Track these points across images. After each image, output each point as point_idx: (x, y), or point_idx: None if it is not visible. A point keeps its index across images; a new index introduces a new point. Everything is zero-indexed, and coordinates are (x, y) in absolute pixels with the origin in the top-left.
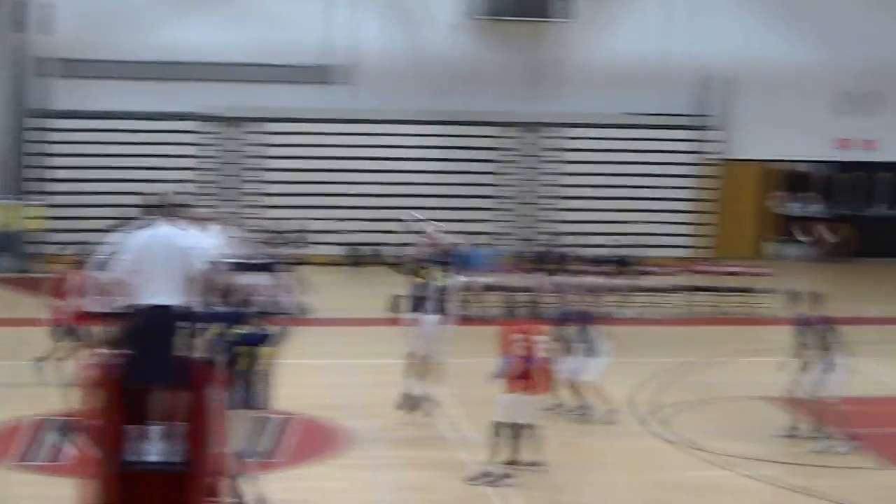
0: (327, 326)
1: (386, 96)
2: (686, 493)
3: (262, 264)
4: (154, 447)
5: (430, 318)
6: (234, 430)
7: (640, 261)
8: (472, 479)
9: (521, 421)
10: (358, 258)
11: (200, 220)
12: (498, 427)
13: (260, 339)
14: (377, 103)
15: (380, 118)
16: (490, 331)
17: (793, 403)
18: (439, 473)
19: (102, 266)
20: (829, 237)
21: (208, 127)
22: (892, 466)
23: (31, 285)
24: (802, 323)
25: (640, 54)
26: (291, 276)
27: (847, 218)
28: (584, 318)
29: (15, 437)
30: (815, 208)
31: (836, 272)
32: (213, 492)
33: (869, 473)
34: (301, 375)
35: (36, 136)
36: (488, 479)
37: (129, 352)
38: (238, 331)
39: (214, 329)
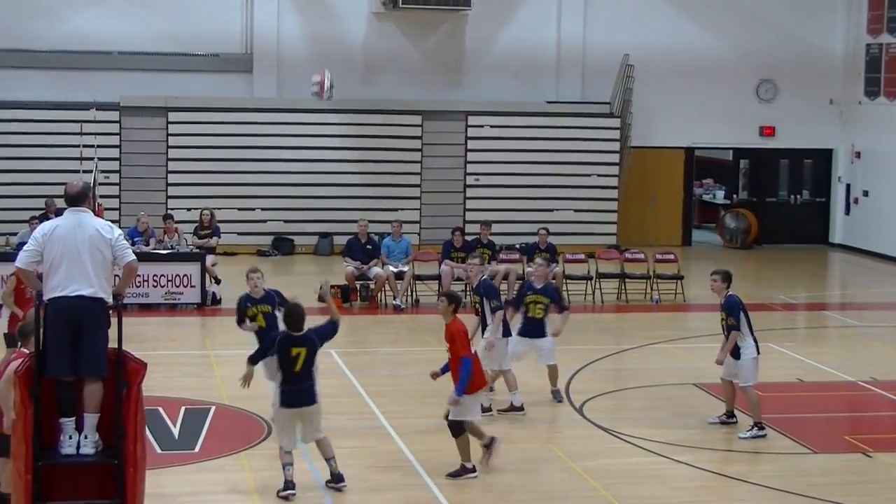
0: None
1: (297, 84)
2: (620, 480)
3: (174, 254)
4: (81, 440)
5: None
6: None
7: (565, 249)
8: (451, 475)
9: (472, 418)
10: (277, 246)
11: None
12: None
13: None
14: (289, 91)
15: (290, 107)
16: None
17: (721, 388)
18: (373, 462)
19: (17, 258)
20: (735, 224)
21: (110, 116)
22: (815, 451)
23: None
24: (731, 307)
25: (560, 41)
26: (202, 265)
27: (751, 204)
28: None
29: None
30: (720, 195)
31: (742, 258)
32: (138, 485)
33: (797, 459)
34: (216, 367)
35: None
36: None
37: (51, 343)
38: None
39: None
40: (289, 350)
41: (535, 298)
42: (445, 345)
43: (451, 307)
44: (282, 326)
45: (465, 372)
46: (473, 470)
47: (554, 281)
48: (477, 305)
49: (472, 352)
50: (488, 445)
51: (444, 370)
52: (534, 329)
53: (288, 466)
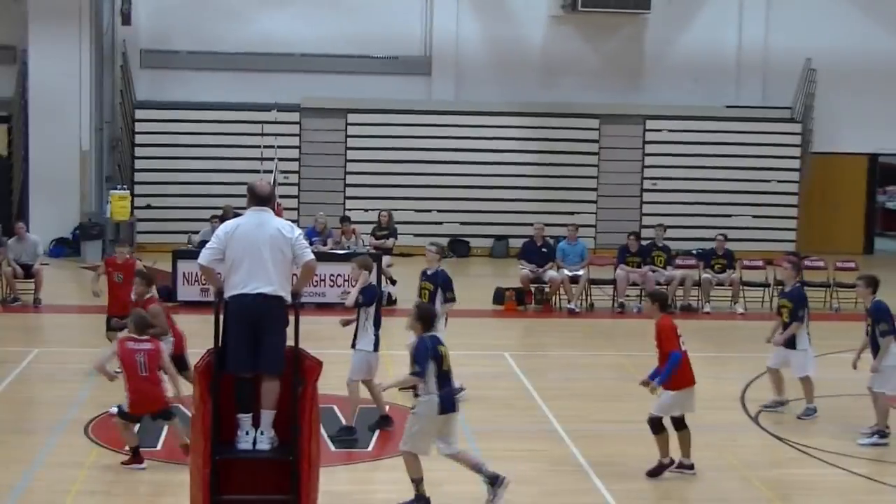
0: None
1: (477, 87)
2: (797, 491)
3: (354, 254)
4: (258, 436)
5: None
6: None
7: (743, 255)
8: (652, 474)
9: (678, 414)
10: (455, 249)
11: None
12: (660, 422)
13: None
14: (468, 94)
15: (470, 109)
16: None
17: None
18: (549, 466)
19: (199, 255)
20: None
21: (294, 118)
22: None
23: None
24: (878, 312)
25: (740, 45)
26: (383, 266)
27: None
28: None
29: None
30: None
31: None
32: (310, 482)
33: None
34: (391, 367)
35: (125, 127)
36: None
37: (231, 340)
38: None
39: None
40: (438, 349)
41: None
42: (625, 349)
43: (657, 305)
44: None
45: (671, 365)
46: (671, 463)
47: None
48: None
49: (683, 350)
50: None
51: (653, 376)
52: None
53: (421, 481)
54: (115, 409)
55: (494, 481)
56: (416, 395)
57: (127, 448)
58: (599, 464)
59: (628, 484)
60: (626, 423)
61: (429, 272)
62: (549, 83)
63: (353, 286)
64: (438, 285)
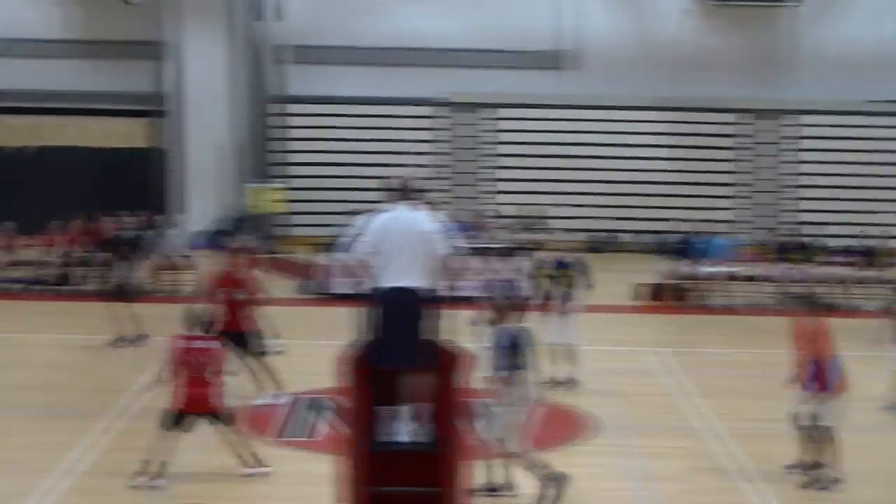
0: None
1: (616, 82)
2: None
3: (501, 249)
4: (403, 428)
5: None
6: (488, 415)
7: (887, 251)
8: (806, 486)
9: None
10: (596, 244)
11: (436, 205)
12: (830, 432)
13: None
14: (607, 89)
15: (610, 104)
16: (732, 320)
17: None
18: (689, 464)
19: (346, 249)
20: None
21: (440, 112)
22: None
23: (275, 266)
24: None
25: (880, 39)
26: (527, 261)
27: None
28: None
29: (274, 413)
30: None
31: None
32: (461, 474)
33: None
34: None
35: (275, 121)
36: (820, 483)
37: (378, 334)
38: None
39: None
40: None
41: None
42: (769, 347)
43: (810, 306)
44: None
45: (835, 371)
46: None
47: None
48: None
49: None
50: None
51: (811, 380)
52: None
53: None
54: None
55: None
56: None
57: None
58: (745, 463)
59: (775, 485)
60: (770, 421)
61: (562, 260)
62: (693, 77)
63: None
64: (574, 272)
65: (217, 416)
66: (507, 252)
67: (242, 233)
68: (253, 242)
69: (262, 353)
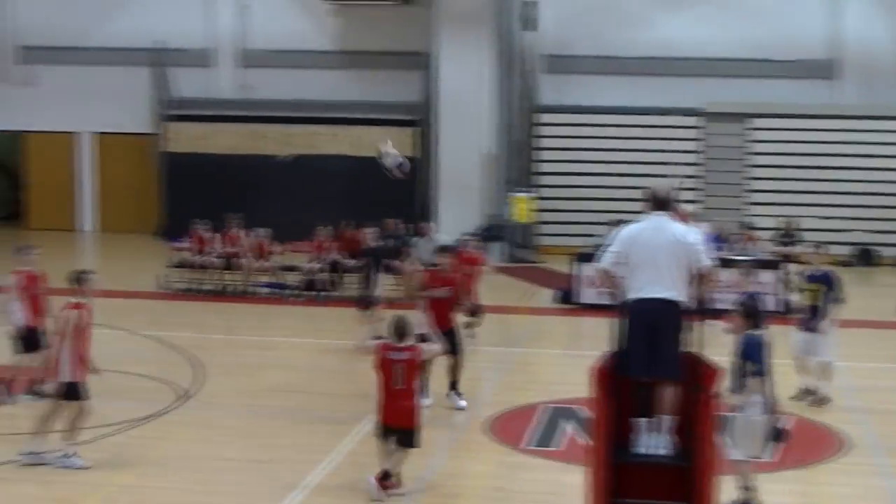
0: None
1: (887, 91)
2: None
3: (760, 261)
4: (655, 441)
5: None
6: (741, 431)
7: None
8: None
9: None
10: (855, 257)
11: (692, 216)
12: None
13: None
14: (872, 98)
15: (880, 114)
16: None
17: None
18: None
19: (600, 258)
20: None
21: (694, 122)
22: None
23: (526, 274)
24: None
25: None
26: (781, 274)
27: None
28: None
29: (528, 422)
30: None
31: None
32: (712, 489)
33: None
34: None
35: (528, 130)
36: None
37: (630, 344)
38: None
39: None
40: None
41: None
42: None
43: None
44: None
45: None
46: None
47: None
48: None
49: None
50: None
51: None
52: None
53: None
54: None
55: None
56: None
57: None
58: None
59: None
60: None
61: (814, 273)
62: None
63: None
64: (826, 285)
65: (410, 433)
66: (762, 264)
67: (495, 241)
68: (486, 249)
69: (457, 353)
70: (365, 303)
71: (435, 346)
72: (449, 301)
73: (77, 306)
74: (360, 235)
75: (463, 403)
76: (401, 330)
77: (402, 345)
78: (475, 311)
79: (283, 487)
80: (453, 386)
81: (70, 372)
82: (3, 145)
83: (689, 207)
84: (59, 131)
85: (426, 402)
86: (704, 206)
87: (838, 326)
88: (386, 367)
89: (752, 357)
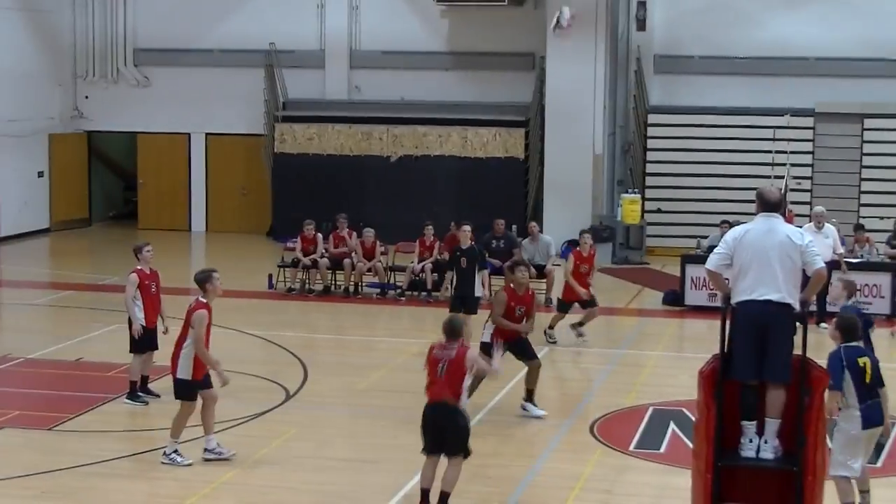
0: None
1: None
2: None
3: (865, 263)
4: (762, 445)
5: None
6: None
7: None
8: None
9: None
10: None
11: (820, 217)
12: None
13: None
14: None
15: None
16: None
17: None
18: None
19: (708, 260)
20: None
21: (805, 122)
22: None
23: (634, 275)
24: None
25: None
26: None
27: None
28: None
29: (633, 424)
30: None
31: None
32: (817, 494)
33: None
34: None
35: (638, 131)
36: None
37: (738, 347)
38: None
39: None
40: (857, 361)
41: None
42: None
43: None
44: None
45: None
46: None
47: None
48: None
49: None
50: None
51: None
52: None
53: None
54: None
55: None
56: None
57: None
58: None
59: None
60: None
61: None
62: None
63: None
64: None
65: (450, 433)
66: (875, 267)
67: (604, 242)
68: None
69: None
70: (459, 304)
71: (485, 364)
72: (521, 317)
73: (205, 306)
74: (460, 236)
75: (540, 412)
76: (451, 329)
77: (451, 344)
78: (588, 304)
79: (388, 487)
80: (529, 396)
81: (188, 369)
82: (117, 146)
83: (817, 209)
84: (172, 132)
85: (539, 412)
86: (819, 208)
87: None
88: (432, 365)
89: (831, 371)
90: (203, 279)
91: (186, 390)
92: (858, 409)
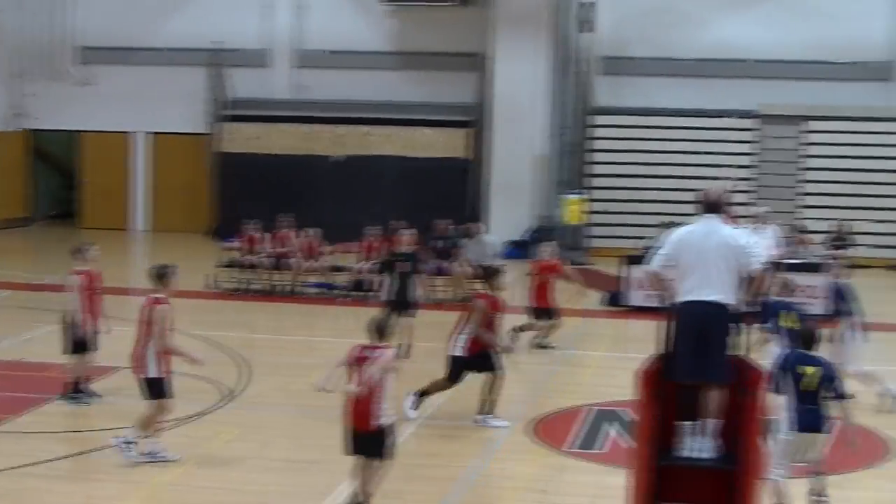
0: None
1: None
2: None
3: (803, 264)
4: (697, 444)
5: None
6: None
7: None
8: None
9: None
10: None
11: (747, 218)
12: None
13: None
14: None
15: None
16: None
17: None
18: None
19: (650, 260)
20: None
21: (748, 124)
22: None
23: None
24: None
25: None
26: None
27: None
28: None
29: (573, 424)
30: None
31: None
32: (755, 494)
33: None
34: None
35: (582, 132)
36: None
37: (679, 347)
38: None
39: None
40: (796, 368)
41: None
42: None
43: None
44: None
45: None
46: None
47: None
48: None
49: None
50: None
51: None
52: None
53: None
54: None
55: None
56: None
57: None
58: None
59: None
60: None
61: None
62: None
63: None
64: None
65: (370, 438)
66: (813, 268)
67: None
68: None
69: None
70: (396, 304)
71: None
72: (498, 325)
73: (163, 301)
74: (401, 237)
75: (499, 423)
76: (378, 330)
77: (377, 345)
78: (552, 316)
79: (330, 487)
80: (491, 408)
81: (156, 368)
82: (59, 144)
83: (758, 210)
84: (115, 131)
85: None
86: (760, 210)
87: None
88: (354, 366)
89: (772, 373)
90: (165, 273)
91: (160, 388)
92: (793, 411)
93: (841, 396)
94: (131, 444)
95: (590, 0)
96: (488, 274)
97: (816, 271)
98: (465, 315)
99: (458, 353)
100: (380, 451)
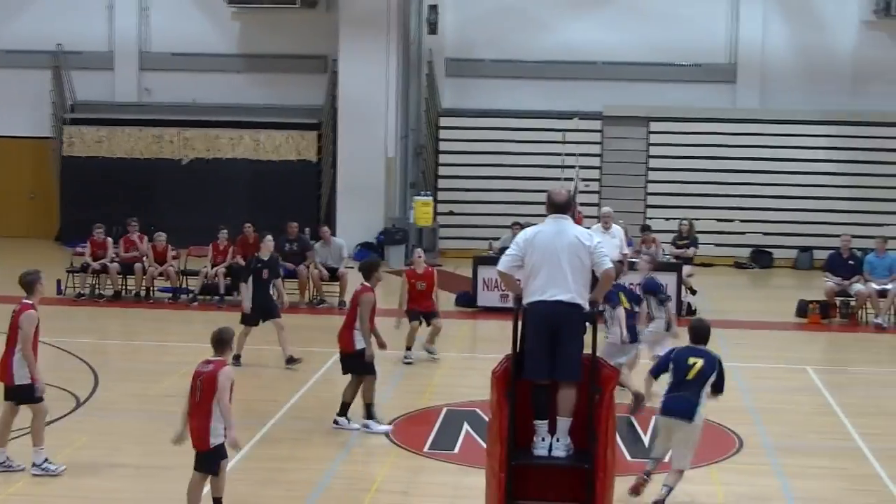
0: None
1: (783, 95)
2: None
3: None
4: (554, 443)
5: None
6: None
7: None
8: None
9: None
10: (751, 260)
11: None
12: None
13: None
14: (775, 103)
15: (777, 118)
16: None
17: None
18: (837, 484)
19: (498, 261)
20: None
21: (594, 125)
22: None
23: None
24: None
25: None
26: (682, 276)
27: None
28: None
29: (428, 425)
30: None
31: None
32: (608, 491)
33: None
34: None
35: (429, 134)
36: None
37: (529, 347)
38: None
39: None
40: (681, 360)
41: None
42: None
43: None
44: None
45: None
46: None
47: None
48: None
49: None
50: None
51: None
52: None
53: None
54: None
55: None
56: None
57: None
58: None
59: None
60: None
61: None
62: (859, 91)
63: None
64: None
65: (207, 457)
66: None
67: (396, 245)
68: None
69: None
70: (260, 314)
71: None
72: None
73: (32, 307)
74: (253, 240)
75: (355, 426)
76: (219, 341)
77: (212, 358)
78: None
79: (180, 493)
80: (344, 410)
81: (26, 374)
82: None
83: (605, 210)
84: None
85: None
86: (606, 210)
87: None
88: (193, 379)
89: (659, 360)
90: (33, 280)
91: (30, 394)
92: (664, 396)
93: (719, 391)
94: (46, 464)
95: (433, 2)
96: (367, 267)
97: (664, 270)
98: (352, 311)
99: (362, 345)
100: (215, 468)
